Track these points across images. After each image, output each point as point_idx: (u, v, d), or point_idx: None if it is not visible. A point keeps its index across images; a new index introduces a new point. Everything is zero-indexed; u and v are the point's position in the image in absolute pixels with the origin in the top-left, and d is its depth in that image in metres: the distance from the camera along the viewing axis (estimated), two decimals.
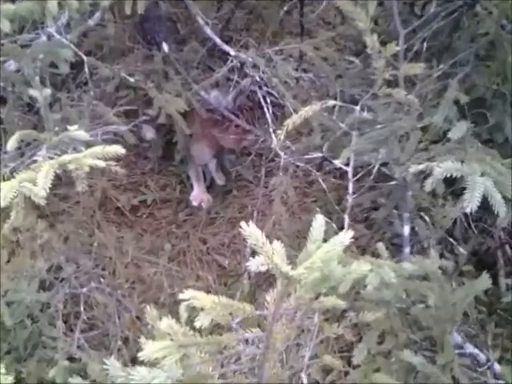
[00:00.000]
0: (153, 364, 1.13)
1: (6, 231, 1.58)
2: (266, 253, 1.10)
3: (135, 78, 2.33)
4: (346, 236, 1.11)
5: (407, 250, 1.70)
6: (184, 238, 2.52)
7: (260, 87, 2.40)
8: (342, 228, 1.74)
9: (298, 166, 2.22)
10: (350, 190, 1.64)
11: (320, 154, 1.84)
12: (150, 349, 1.11)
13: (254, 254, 1.12)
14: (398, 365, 1.49)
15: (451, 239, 1.89)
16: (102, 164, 1.41)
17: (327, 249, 1.11)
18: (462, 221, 2.00)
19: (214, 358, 1.19)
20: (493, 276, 2.17)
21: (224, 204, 2.64)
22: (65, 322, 2.02)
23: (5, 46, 1.93)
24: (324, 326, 1.37)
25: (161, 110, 2.30)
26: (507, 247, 2.22)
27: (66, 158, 1.33)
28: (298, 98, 2.35)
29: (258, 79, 2.29)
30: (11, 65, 2.01)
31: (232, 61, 2.32)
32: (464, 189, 1.33)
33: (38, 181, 1.24)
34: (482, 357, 1.62)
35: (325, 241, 1.13)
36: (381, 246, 1.51)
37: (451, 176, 1.32)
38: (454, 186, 1.62)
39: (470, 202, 1.26)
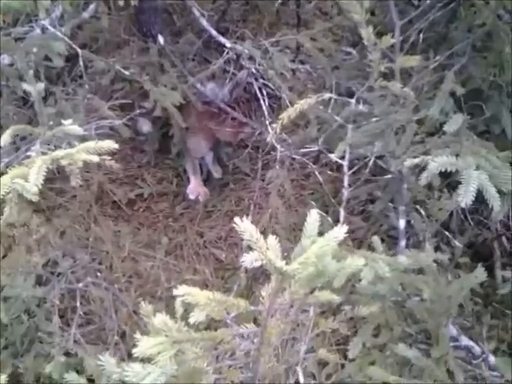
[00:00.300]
0: (149, 359, 1.13)
1: (2, 226, 1.57)
2: (260, 248, 1.10)
3: (130, 71, 2.31)
4: (340, 231, 1.10)
5: (403, 243, 1.70)
6: (181, 231, 2.52)
7: (256, 79, 2.39)
8: (338, 221, 1.73)
9: (294, 159, 2.21)
10: (346, 183, 1.64)
11: (316, 147, 1.82)
12: (144, 345, 1.11)
13: (250, 247, 1.12)
14: (393, 358, 1.49)
15: (447, 232, 1.89)
16: (95, 159, 1.40)
17: (321, 244, 1.10)
18: (458, 213, 1.99)
19: (209, 354, 1.20)
20: (489, 267, 2.18)
21: (221, 197, 2.63)
22: (62, 317, 2.02)
23: None
24: (319, 320, 1.37)
25: (156, 103, 2.28)
26: (504, 239, 2.22)
27: (58, 153, 1.32)
28: (294, 90, 2.34)
29: (254, 71, 2.28)
30: (5, 58, 1.99)
31: (228, 53, 2.30)
32: (459, 182, 1.33)
33: (29, 177, 1.23)
34: (477, 349, 1.62)
35: (321, 234, 1.12)
36: (376, 239, 1.51)
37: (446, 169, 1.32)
38: (449, 179, 1.62)
39: (465, 197, 1.26)
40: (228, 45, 2.25)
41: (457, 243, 1.85)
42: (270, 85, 2.32)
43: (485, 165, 1.32)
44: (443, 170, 1.31)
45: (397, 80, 1.50)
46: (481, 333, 1.78)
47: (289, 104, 2.01)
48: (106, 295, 2.07)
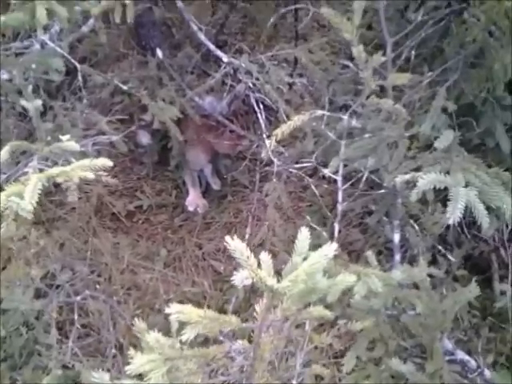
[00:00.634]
0: (144, 374, 1.14)
1: (0, 240, 1.59)
2: (251, 266, 1.11)
3: (129, 85, 2.34)
4: (330, 248, 1.11)
5: (398, 257, 1.71)
6: (180, 243, 2.53)
7: (253, 92, 2.40)
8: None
9: (291, 172, 2.23)
10: (340, 198, 1.65)
11: (312, 161, 1.84)
12: (137, 362, 1.12)
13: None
14: (387, 372, 1.50)
15: (441, 247, 1.89)
16: (91, 176, 1.42)
17: (312, 261, 1.11)
18: (454, 226, 2.00)
19: (202, 370, 1.20)
20: (487, 280, 2.18)
21: (219, 209, 2.64)
22: (60, 330, 2.03)
23: None
24: (313, 336, 1.38)
25: (154, 117, 2.30)
26: (501, 250, 2.22)
27: (53, 171, 1.34)
28: (291, 104, 2.36)
29: (251, 85, 2.30)
30: (4, 74, 2.02)
31: (225, 67, 2.32)
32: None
33: (25, 195, 1.25)
34: (473, 363, 1.62)
35: (318, 246, 1.13)
36: (370, 254, 1.52)
37: None
38: (444, 193, 1.63)
39: (453, 214, 1.27)
40: (225, 59, 2.27)
41: (451, 258, 1.85)
42: (266, 99, 2.33)
43: (474, 181, 1.33)
44: (432, 187, 1.32)
45: (389, 97, 1.52)
46: (478, 346, 1.78)
47: (285, 118, 2.03)
48: (104, 308, 2.08)
